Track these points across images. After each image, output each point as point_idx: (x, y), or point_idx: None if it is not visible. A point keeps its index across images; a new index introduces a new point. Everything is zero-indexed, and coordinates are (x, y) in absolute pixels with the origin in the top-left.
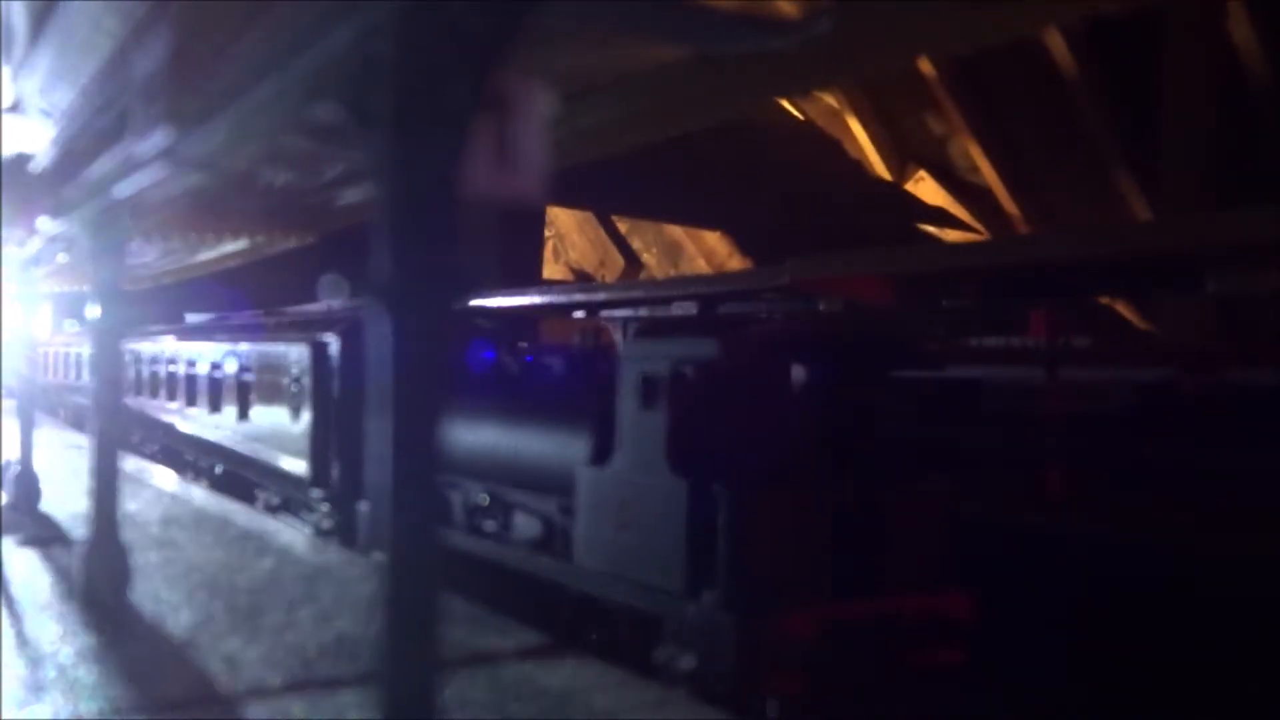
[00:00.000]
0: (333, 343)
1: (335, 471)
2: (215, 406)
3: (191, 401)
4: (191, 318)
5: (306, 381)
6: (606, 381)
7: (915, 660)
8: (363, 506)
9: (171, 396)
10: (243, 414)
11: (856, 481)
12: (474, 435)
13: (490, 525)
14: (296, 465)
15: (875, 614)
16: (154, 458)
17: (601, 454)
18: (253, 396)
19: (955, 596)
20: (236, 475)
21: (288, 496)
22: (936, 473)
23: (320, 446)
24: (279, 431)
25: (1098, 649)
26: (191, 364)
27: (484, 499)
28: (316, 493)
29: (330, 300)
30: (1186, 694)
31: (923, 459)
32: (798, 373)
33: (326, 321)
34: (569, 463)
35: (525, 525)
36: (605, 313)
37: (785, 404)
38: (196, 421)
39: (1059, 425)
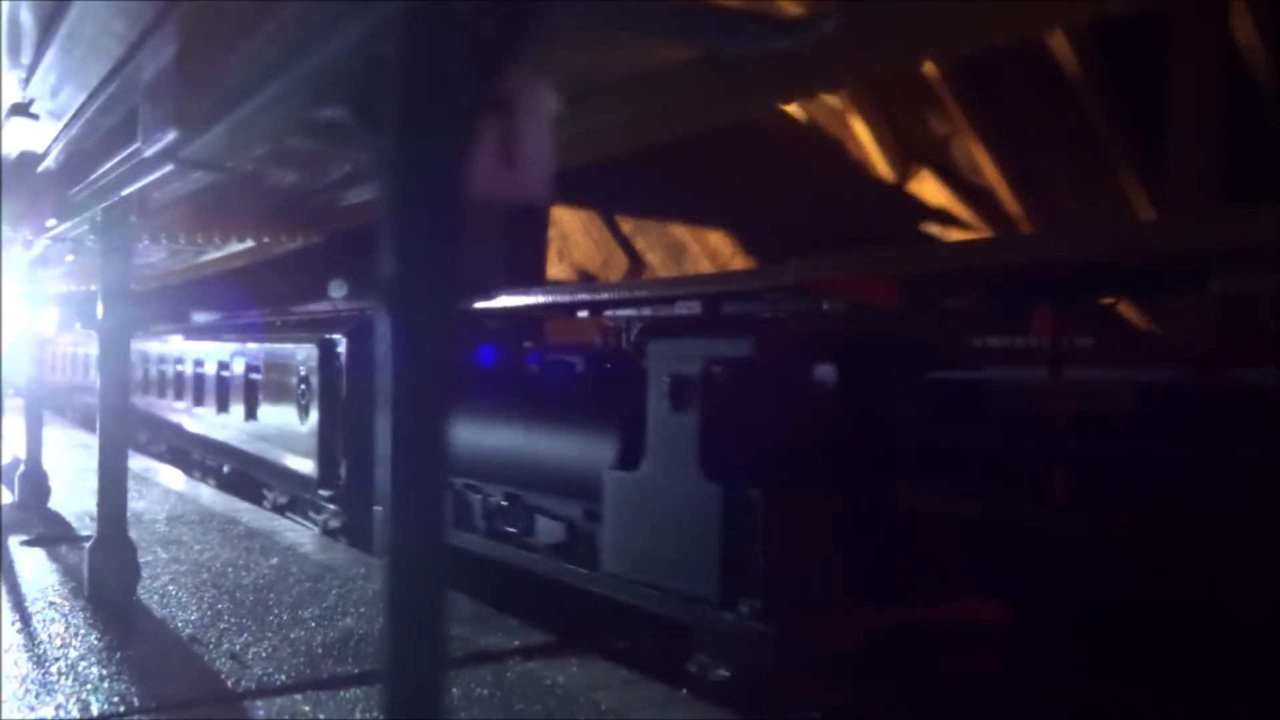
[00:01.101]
0: (341, 342)
1: (343, 472)
2: (223, 406)
3: (199, 401)
4: (199, 317)
5: (314, 381)
6: (633, 382)
7: (952, 668)
8: (378, 509)
9: (179, 396)
10: (250, 414)
11: (894, 485)
12: (493, 437)
13: (511, 529)
14: (304, 465)
15: (913, 621)
16: (162, 457)
17: (629, 457)
18: (260, 396)
19: (993, 603)
20: (244, 475)
21: (294, 496)
22: (975, 476)
23: (328, 447)
24: (286, 431)
25: (1132, 656)
26: (199, 364)
27: (503, 502)
28: (324, 493)
29: (337, 300)
30: (1206, 697)
31: (960, 462)
32: (834, 372)
33: (335, 321)
34: (593, 466)
35: (548, 529)
36: (609, 312)
37: (822, 404)
38: (204, 421)
39: (1097, 427)
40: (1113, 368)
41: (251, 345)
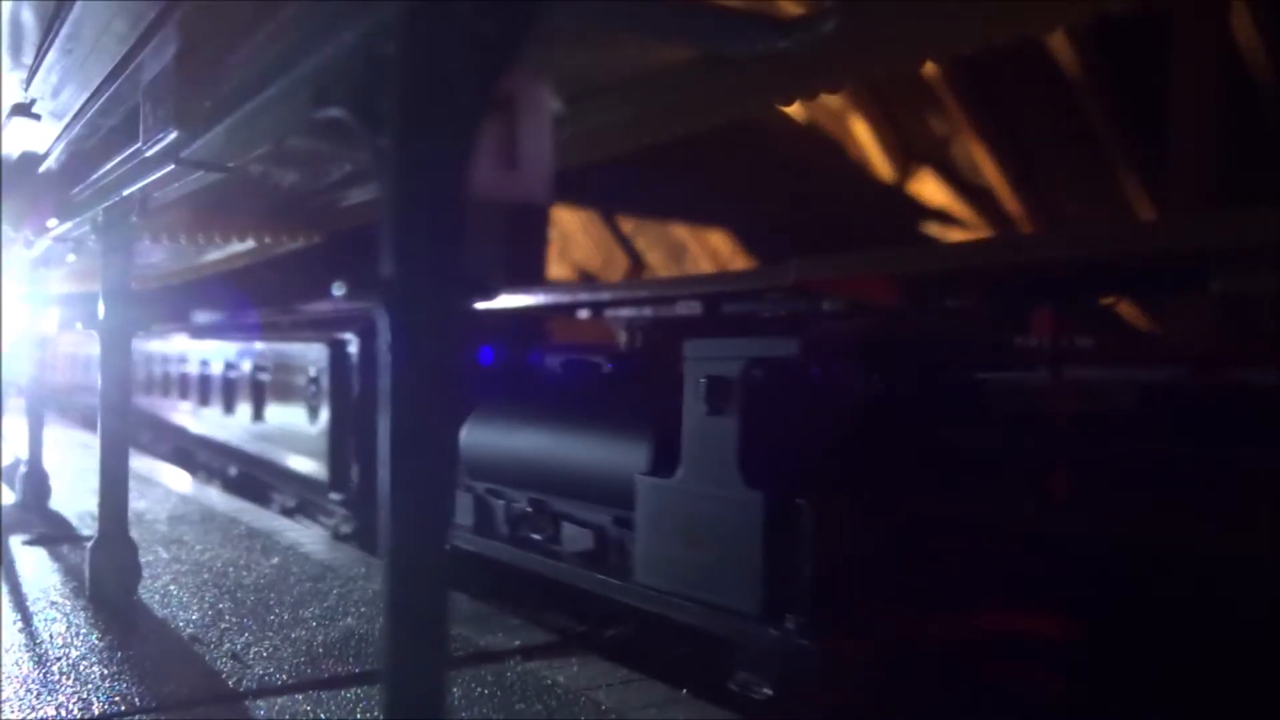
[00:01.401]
0: (353, 342)
1: (354, 475)
2: (229, 407)
3: (204, 402)
4: (205, 317)
5: (325, 382)
6: (667, 384)
7: (1001, 680)
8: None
9: (184, 397)
10: (258, 415)
11: (944, 492)
12: (517, 441)
13: (536, 536)
14: (314, 468)
15: (962, 633)
16: (166, 459)
17: (663, 463)
18: (269, 397)
19: (1048, 615)
20: (251, 478)
21: (304, 500)
22: (1027, 482)
23: (339, 449)
24: (296, 433)
25: (1201, 669)
26: (205, 364)
27: (527, 508)
28: (335, 497)
29: (344, 299)
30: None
31: (1012, 467)
32: (880, 373)
33: (346, 320)
34: (624, 471)
35: (575, 537)
36: (610, 311)
37: (868, 407)
38: (210, 422)
39: (1165, 433)
40: (1160, 368)
41: (259, 345)
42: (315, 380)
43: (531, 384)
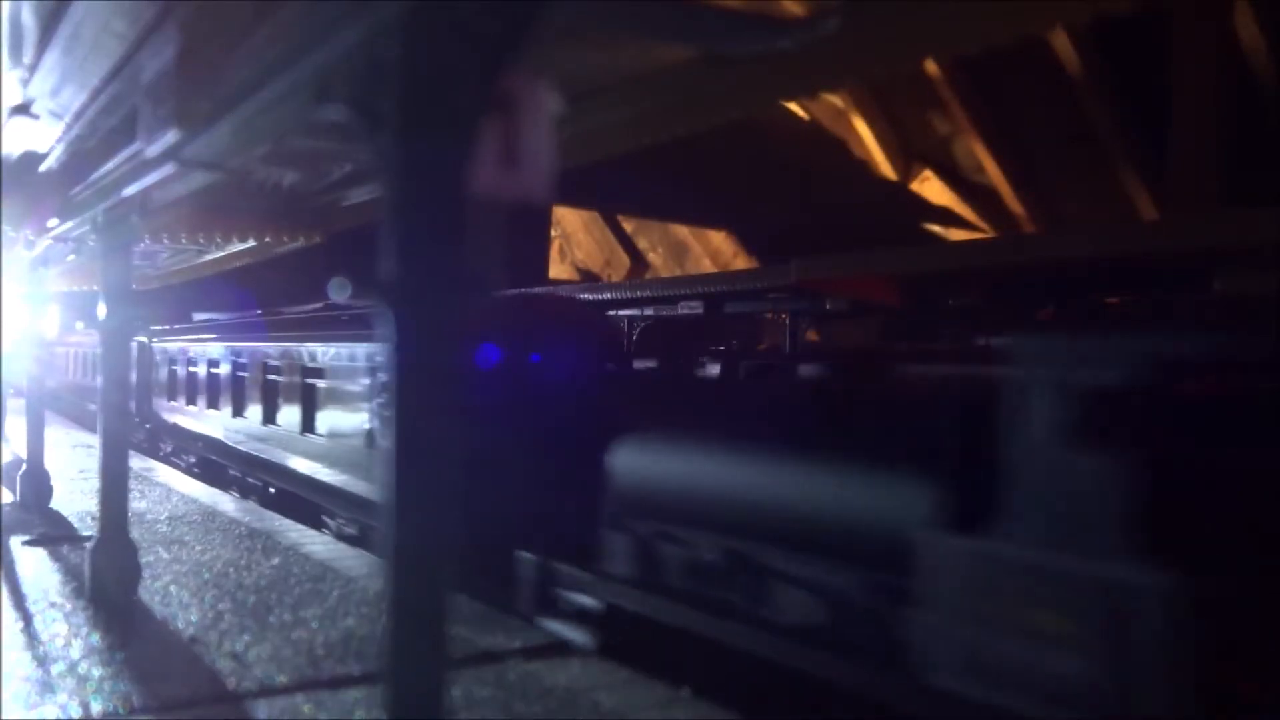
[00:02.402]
0: None
1: None
2: (271, 417)
3: (239, 411)
4: (241, 313)
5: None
6: (972, 396)
7: None
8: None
9: (213, 404)
10: (307, 426)
11: None
12: (703, 469)
13: (730, 596)
14: (382, 491)
15: None
16: (191, 471)
17: (969, 514)
18: (322, 406)
19: None
20: (296, 498)
21: (367, 527)
22: None
23: None
24: (357, 449)
25: None
26: (242, 366)
27: (716, 557)
28: None
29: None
30: None
31: None
32: None
33: None
34: (886, 519)
35: (795, 603)
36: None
37: None
38: (247, 433)
39: None
40: None
41: (310, 345)
42: (385, 387)
43: (716, 396)
